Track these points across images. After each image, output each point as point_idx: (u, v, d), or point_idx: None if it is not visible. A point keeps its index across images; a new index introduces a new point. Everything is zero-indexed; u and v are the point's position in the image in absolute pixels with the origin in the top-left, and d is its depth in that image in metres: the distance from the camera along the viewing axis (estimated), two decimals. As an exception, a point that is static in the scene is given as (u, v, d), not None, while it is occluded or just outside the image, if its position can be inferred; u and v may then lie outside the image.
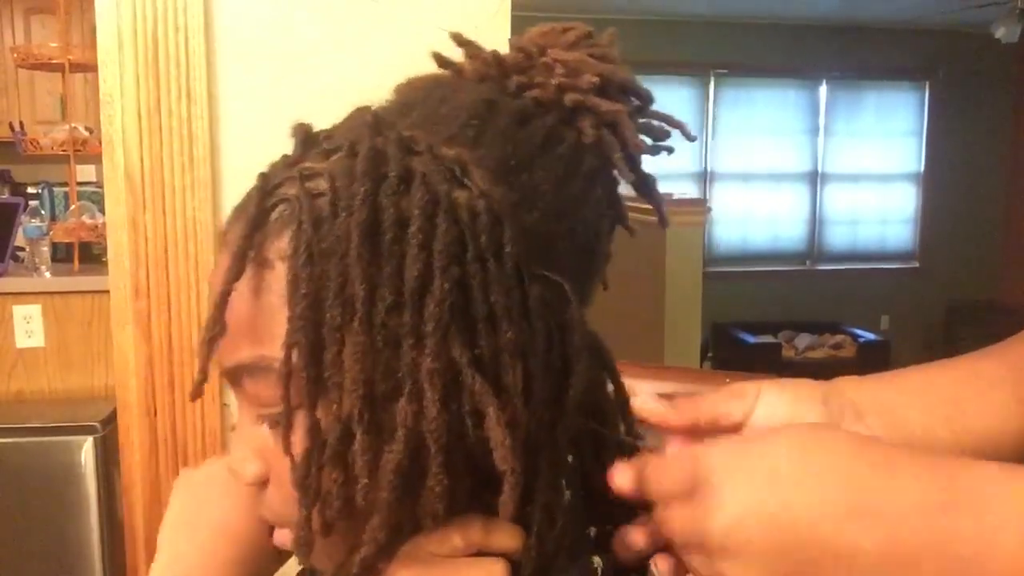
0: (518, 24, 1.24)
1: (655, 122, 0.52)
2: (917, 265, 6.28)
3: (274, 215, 0.44)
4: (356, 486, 0.41)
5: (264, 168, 0.47)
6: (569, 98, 0.47)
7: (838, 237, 6.19)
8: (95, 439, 2.05)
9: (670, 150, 0.54)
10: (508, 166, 0.45)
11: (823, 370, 5.30)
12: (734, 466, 0.41)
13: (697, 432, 0.49)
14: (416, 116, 0.46)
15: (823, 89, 6.00)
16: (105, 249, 1.43)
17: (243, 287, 0.43)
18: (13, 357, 2.21)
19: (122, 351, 1.22)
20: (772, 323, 5.80)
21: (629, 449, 0.52)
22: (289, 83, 1.20)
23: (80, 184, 2.55)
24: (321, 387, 0.41)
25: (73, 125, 2.40)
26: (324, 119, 0.52)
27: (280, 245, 0.43)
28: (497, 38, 1.24)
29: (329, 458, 0.41)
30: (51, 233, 2.39)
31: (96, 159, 1.58)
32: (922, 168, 6.18)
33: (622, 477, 0.45)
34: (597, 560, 0.48)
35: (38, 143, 2.49)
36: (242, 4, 1.19)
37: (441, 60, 0.51)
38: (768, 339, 5.63)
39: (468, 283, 0.41)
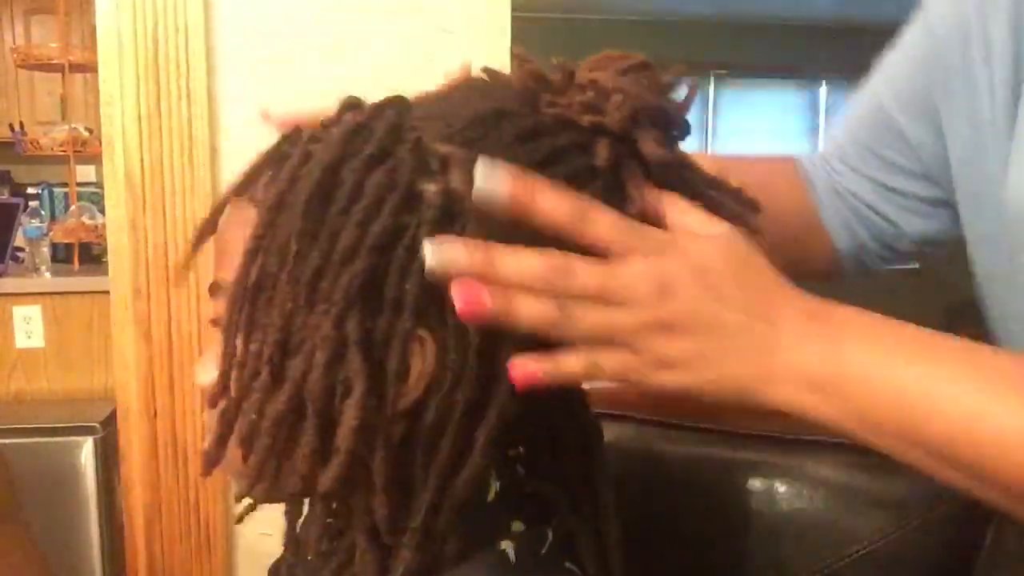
0: (518, 24, 1.24)
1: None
2: (917, 265, 6.26)
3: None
4: (245, 419, 0.45)
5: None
6: (587, 119, 0.46)
7: (838, 237, 6.19)
8: (95, 440, 2.04)
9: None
10: None
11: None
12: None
13: None
14: (431, 108, 0.48)
15: (823, 90, 6.00)
16: (105, 249, 1.43)
17: (234, 215, 0.49)
18: (13, 358, 2.21)
19: (122, 352, 1.22)
20: (772, 323, 5.80)
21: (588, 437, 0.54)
22: (289, 84, 1.20)
23: (80, 184, 2.55)
24: (250, 321, 0.45)
25: (73, 125, 2.40)
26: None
27: None
28: (497, 38, 1.24)
29: (237, 387, 0.46)
30: (51, 233, 2.39)
31: (96, 159, 1.59)
32: (922, 168, 6.18)
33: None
34: (508, 544, 0.48)
35: (38, 143, 2.49)
36: (242, 5, 1.19)
37: (490, 72, 0.52)
38: (768, 339, 5.63)
39: (389, 268, 0.43)
